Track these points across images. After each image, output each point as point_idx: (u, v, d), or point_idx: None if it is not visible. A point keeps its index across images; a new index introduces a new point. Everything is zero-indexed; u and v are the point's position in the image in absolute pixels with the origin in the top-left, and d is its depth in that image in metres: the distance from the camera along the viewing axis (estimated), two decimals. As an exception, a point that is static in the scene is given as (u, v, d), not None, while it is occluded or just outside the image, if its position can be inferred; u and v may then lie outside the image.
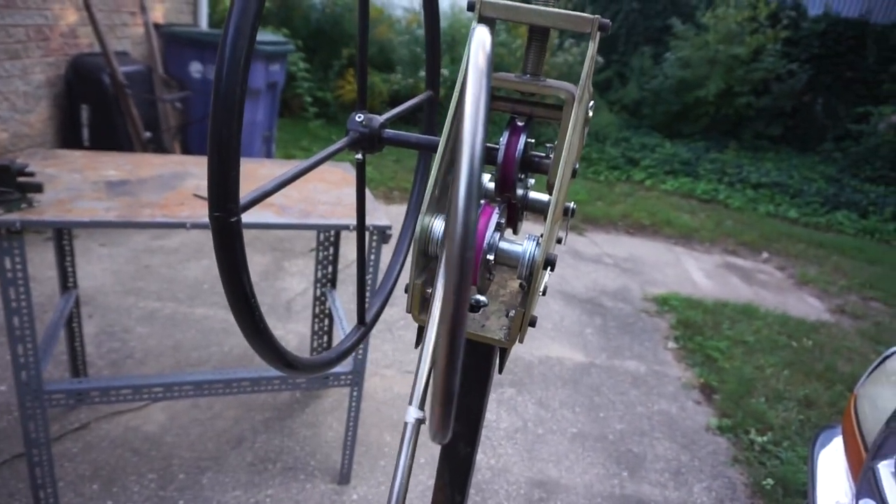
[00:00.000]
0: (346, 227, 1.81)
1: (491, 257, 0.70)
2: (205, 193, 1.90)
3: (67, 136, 3.97)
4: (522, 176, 0.83)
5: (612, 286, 4.33)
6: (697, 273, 4.83)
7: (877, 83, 8.57)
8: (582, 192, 6.28)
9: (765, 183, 7.30)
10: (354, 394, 2.10)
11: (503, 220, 0.74)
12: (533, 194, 0.95)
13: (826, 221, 6.66)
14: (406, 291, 0.75)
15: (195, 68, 4.49)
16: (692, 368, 3.34)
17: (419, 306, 0.75)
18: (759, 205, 6.84)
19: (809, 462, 1.61)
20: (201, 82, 4.47)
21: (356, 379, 2.07)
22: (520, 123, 0.82)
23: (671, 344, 3.61)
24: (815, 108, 9.25)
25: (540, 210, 0.97)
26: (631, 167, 7.50)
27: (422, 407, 0.55)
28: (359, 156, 0.85)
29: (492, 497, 2.29)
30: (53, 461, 1.81)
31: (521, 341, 0.73)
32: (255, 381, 1.93)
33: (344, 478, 2.24)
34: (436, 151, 0.74)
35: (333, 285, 2.55)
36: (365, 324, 0.96)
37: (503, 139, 0.80)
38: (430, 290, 0.75)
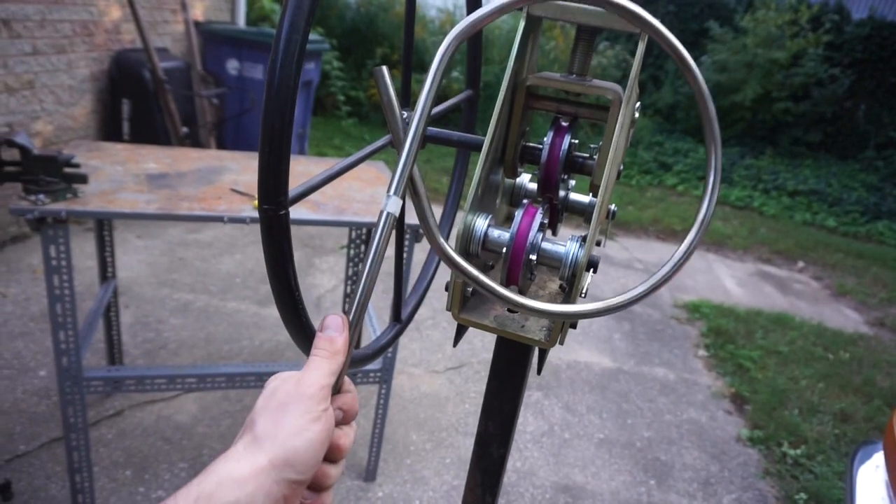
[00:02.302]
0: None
1: (533, 257, 0.69)
2: (242, 188, 1.93)
3: (109, 130, 4.07)
4: (565, 177, 0.82)
5: (642, 292, 4.27)
6: (730, 281, 4.74)
7: (922, 90, 8.30)
8: (613, 196, 6.19)
9: (802, 190, 7.12)
10: (383, 391, 2.11)
11: (546, 221, 0.73)
12: (574, 195, 0.95)
13: (866, 231, 6.47)
14: (446, 290, 0.75)
15: (232, 65, 4.56)
16: (723, 377, 3.28)
17: (459, 305, 0.75)
18: (795, 213, 6.68)
19: (848, 478, 1.57)
20: (237, 79, 4.54)
21: (385, 376, 2.08)
22: (564, 124, 0.81)
23: (701, 352, 3.54)
24: (858, 115, 8.99)
25: (580, 212, 0.95)
26: (663, 172, 7.40)
27: (402, 197, 0.56)
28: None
29: (517, 500, 2.28)
30: (90, 446, 1.85)
31: (561, 343, 0.72)
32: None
33: (370, 475, 2.25)
34: (478, 150, 0.74)
35: (363, 283, 2.56)
36: (401, 321, 0.96)
37: (547, 139, 0.79)
38: (470, 290, 0.75)
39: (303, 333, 0.63)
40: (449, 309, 0.74)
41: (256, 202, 1.85)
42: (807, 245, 5.72)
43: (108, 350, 2.44)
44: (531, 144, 0.84)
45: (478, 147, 0.75)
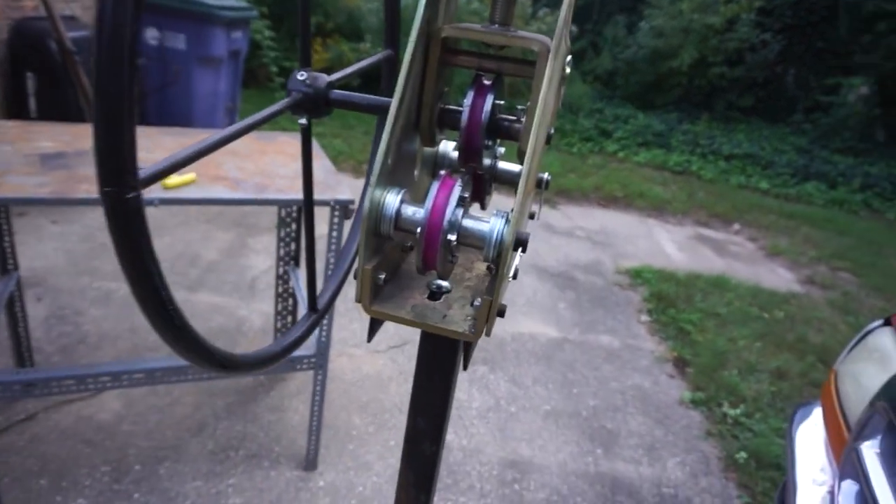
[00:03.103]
0: (311, 183, 1.69)
1: (453, 238, 0.60)
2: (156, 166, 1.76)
3: (12, 108, 3.73)
4: (490, 143, 0.73)
5: (585, 259, 4.28)
6: (670, 245, 4.82)
7: (848, 54, 8.59)
8: (555, 164, 6.19)
9: (736, 154, 7.31)
10: (319, 377, 2.01)
11: (467, 195, 0.64)
12: (503, 164, 0.85)
13: (796, 192, 6.71)
14: (355, 278, 0.65)
15: (151, 35, 4.24)
16: (665, 342, 3.32)
17: (370, 295, 0.65)
18: (730, 176, 6.85)
19: (788, 439, 1.58)
20: (157, 50, 4.23)
21: (320, 362, 1.97)
22: (487, 82, 0.72)
23: (644, 317, 3.58)
24: (787, 79, 9.27)
25: (511, 182, 0.86)
26: (604, 139, 7.44)
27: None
28: (303, 121, 0.74)
29: (464, 479, 2.23)
30: (-7, 457, 1.68)
31: (487, 334, 0.64)
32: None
33: (310, 464, 2.15)
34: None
35: (297, 263, 2.43)
36: (316, 310, 0.85)
37: (467, 100, 0.69)
38: (383, 276, 0.65)
39: (179, 338, 0.52)
40: (358, 300, 0.65)
41: (167, 181, 1.70)
42: (742, 207, 5.87)
43: (16, 349, 2.24)
44: (451, 107, 0.74)
45: (388, 111, 0.65)
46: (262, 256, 3.51)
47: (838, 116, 8.09)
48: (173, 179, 1.62)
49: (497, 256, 0.61)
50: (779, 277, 4.49)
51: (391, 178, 0.66)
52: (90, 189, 1.50)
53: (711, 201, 5.92)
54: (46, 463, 2.01)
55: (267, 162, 1.91)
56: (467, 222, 0.62)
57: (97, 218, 3.66)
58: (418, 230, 0.61)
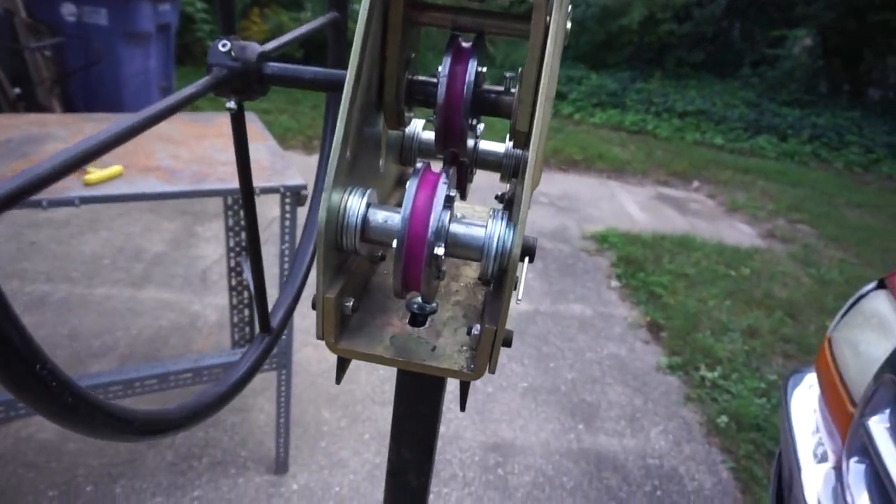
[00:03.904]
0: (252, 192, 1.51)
1: (440, 251, 0.46)
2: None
3: (-86, 97, 3.36)
4: (473, 121, 0.59)
5: (550, 226, 4.20)
6: (633, 206, 4.78)
7: (790, 6, 8.65)
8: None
9: (690, 111, 7.31)
10: (283, 377, 1.85)
11: (454, 192, 0.50)
12: (485, 145, 0.72)
13: (750, 146, 6.77)
14: (313, 308, 0.51)
15: (68, 10, 3.87)
16: (637, 307, 3.27)
17: (336, 329, 0.51)
18: (686, 133, 6.86)
19: (783, 411, 1.52)
20: (77, 26, 3.87)
21: (283, 361, 1.82)
22: (466, 44, 0.58)
23: (614, 283, 3.53)
24: (733, 33, 9.30)
25: (494, 166, 0.72)
26: (558, 101, 7.33)
27: None
28: (231, 104, 0.58)
29: (445, 468, 2.13)
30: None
31: (492, 370, 0.50)
32: (162, 378, 1.65)
33: (281, 466, 2.01)
34: (342, 91, 0.49)
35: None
36: (269, 331, 0.71)
37: (443, 69, 0.55)
38: (349, 304, 0.51)
39: (65, 412, 0.38)
40: (321, 337, 0.51)
41: (88, 177, 1.50)
42: (699, 164, 5.88)
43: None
44: (421, 78, 0.59)
45: (341, 86, 0.50)
46: (213, 245, 3.29)
47: (784, 69, 8.16)
48: (95, 174, 1.42)
49: (499, 271, 0.48)
50: (740, 233, 4.50)
51: (350, 174, 0.51)
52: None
53: (669, 159, 5.90)
54: (-16, 494, 1.82)
55: (206, 147, 1.72)
56: (458, 228, 0.48)
57: (25, 215, 3.36)
58: (394, 243, 0.47)
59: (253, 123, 2.00)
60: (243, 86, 0.57)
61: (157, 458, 2.01)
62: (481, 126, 0.71)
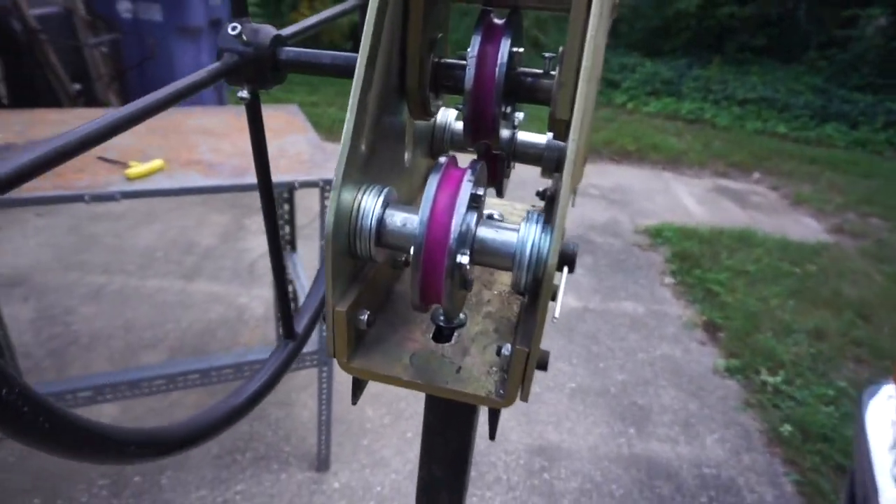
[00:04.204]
0: (292, 185, 1.49)
1: (465, 259, 0.40)
2: (115, 155, 1.55)
3: (-18, 95, 3.50)
4: (507, 108, 0.52)
5: (601, 220, 4.06)
6: (689, 199, 4.58)
7: (864, -16, 8.12)
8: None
9: (751, 98, 6.97)
10: (324, 374, 1.83)
11: (482, 190, 0.43)
12: (524, 136, 0.65)
13: (816, 135, 6.40)
14: (323, 320, 0.46)
15: (124, 7, 3.97)
16: (693, 305, 3.12)
17: (349, 346, 0.45)
18: (746, 122, 6.54)
19: (857, 427, 1.39)
20: (132, 23, 3.96)
21: (323, 358, 1.80)
22: (498, 21, 0.51)
23: (668, 279, 3.38)
24: (799, 15, 8.80)
25: (536, 159, 0.65)
26: (611, 90, 7.12)
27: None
28: (243, 93, 0.53)
29: (489, 471, 2.07)
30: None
31: (524, 398, 0.44)
32: (204, 374, 1.65)
33: (322, 464, 2.00)
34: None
35: (293, 247, 2.24)
36: (294, 337, 0.66)
37: (472, 49, 0.49)
38: (365, 317, 0.45)
39: (56, 438, 0.35)
40: (332, 355, 0.45)
41: (130, 171, 1.50)
42: (761, 154, 5.59)
43: (-3, 358, 2.07)
44: (449, 61, 0.53)
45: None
46: (260, 238, 3.32)
47: (856, 51, 7.68)
48: (137, 168, 1.41)
49: (534, 282, 0.41)
50: (806, 228, 4.25)
51: (367, 170, 0.45)
52: (38, 185, 1.30)
53: (728, 150, 5.64)
54: (40, 480, 1.87)
55: (247, 140, 1.70)
56: (486, 232, 0.42)
57: (85, 208, 3.47)
58: (412, 249, 0.41)
59: (295, 116, 1.98)
60: (256, 73, 0.52)
61: (202, 451, 2.03)
62: (521, 115, 0.64)
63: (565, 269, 0.42)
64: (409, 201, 0.58)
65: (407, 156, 0.57)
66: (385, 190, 0.44)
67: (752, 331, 2.89)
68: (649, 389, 2.52)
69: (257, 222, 3.49)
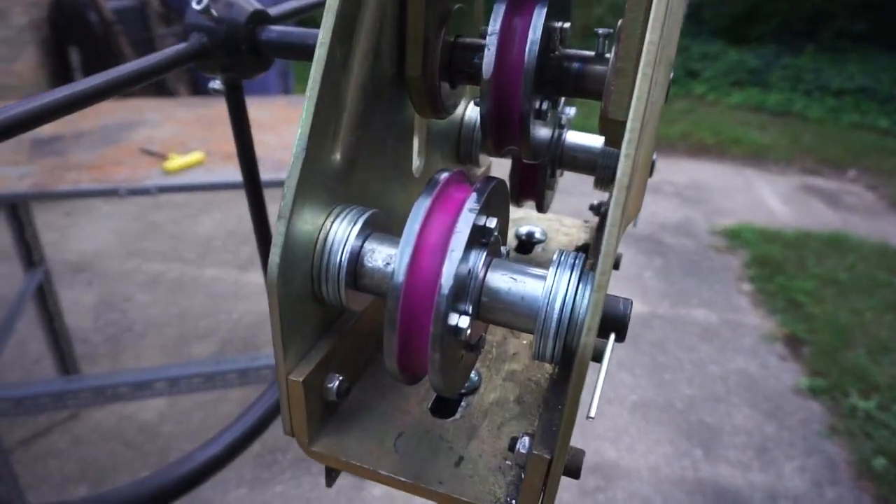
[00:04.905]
0: (259, 189, 1.40)
1: (463, 322, 0.27)
2: (156, 147, 1.52)
3: (59, 85, 3.64)
4: (545, 103, 0.39)
5: (674, 219, 3.81)
6: (773, 199, 4.23)
7: None
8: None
9: (848, 89, 6.40)
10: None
11: (494, 222, 0.31)
12: (574, 137, 0.51)
13: (922, 130, 5.80)
14: (278, 388, 0.35)
15: (195, -2, 4.04)
16: (773, 316, 2.85)
17: (310, 424, 0.35)
18: (842, 115, 6.01)
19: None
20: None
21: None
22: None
23: (746, 286, 3.11)
24: (907, -3, 8.01)
25: (586, 168, 0.52)
26: (690, 80, 6.72)
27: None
28: (215, 84, 0.43)
29: (538, 488, 1.94)
30: (15, 474, 1.54)
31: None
32: (242, 374, 1.60)
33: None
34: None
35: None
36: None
37: (494, 24, 0.36)
38: (333, 386, 0.34)
39: None
40: (289, 433, 0.35)
41: (168, 164, 1.45)
42: (857, 150, 5.12)
43: (55, 346, 2.09)
44: (467, 40, 0.40)
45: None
46: (317, 230, 3.30)
47: (974, 36, 6.91)
48: (176, 161, 1.36)
49: (564, 353, 0.29)
50: (908, 232, 3.83)
51: (343, 186, 0.34)
52: (78, 178, 1.27)
53: (820, 145, 5.19)
54: (86, 468, 1.89)
55: (293, 133, 1.63)
56: (499, 280, 0.30)
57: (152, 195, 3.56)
58: (390, 304, 0.29)
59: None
60: (231, 57, 0.41)
61: (245, 447, 2.00)
62: (571, 110, 0.51)
63: (612, 337, 0.29)
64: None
65: (416, 163, 0.44)
66: (366, 214, 0.33)
67: (842, 347, 2.60)
68: (720, 407, 2.30)
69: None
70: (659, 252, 3.40)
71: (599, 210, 0.55)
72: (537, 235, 0.56)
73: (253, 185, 0.48)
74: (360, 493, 1.88)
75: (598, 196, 0.59)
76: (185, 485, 0.44)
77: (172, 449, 1.96)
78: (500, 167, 0.50)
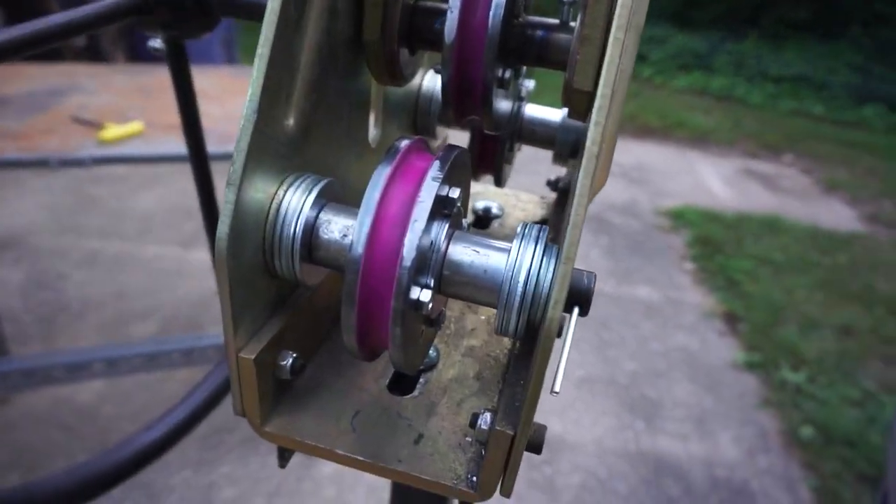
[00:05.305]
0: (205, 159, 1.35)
1: (424, 295, 0.26)
2: (89, 115, 1.43)
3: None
4: (507, 73, 0.38)
5: (620, 199, 3.89)
6: (714, 181, 4.38)
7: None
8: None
9: (787, 76, 6.65)
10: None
11: (457, 193, 0.30)
12: (533, 111, 0.50)
13: (854, 117, 6.10)
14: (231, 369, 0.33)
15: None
16: (713, 293, 2.97)
17: (262, 404, 0.33)
18: (780, 100, 6.25)
19: (893, 436, 1.26)
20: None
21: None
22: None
23: (688, 265, 3.22)
24: (842, -11, 8.35)
25: (545, 142, 0.52)
26: (637, 63, 6.83)
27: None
28: (156, 43, 0.41)
29: (487, 463, 1.97)
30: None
31: (505, 493, 0.31)
32: (187, 353, 1.55)
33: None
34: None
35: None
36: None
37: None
38: (287, 363, 0.32)
39: None
40: (240, 413, 0.33)
41: (104, 133, 1.38)
42: (794, 136, 5.34)
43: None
44: (428, 3, 0.39)
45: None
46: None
47: (901, 29, 7.28)
48: (112, 130, 1.29)
49: (528, 327, 0.29)
50: (838, 215, 4.04)
51: (297, 153, 0.32)
52: (2, 148, 1.18)
53: (759, 129, 5.39)
54: (19, 454, 1.80)
55: (241, 104, 1.56)
56: (461, 253, 0.29)
57: (86, 168, 3.38)
58: (349, 277, 0.28)
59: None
60: (175, 15, 0.38)
61: (190, 428, 1.95)
62: (530, 83, 0.50)
63: (575, 310, 0.29)
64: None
65: (372, 133, 0.43)
66: (322, 182, 0.31)
67: (775, 324, 2.73)
68: (661, 382, 2.39)
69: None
70: (605, 231, 3.47)
71: (557, 185, 0.55)
72: (494, 211, 0.55)
73: (198, 155, 0.45)
74: (310, 472, 1.87)
75: (554, 172, 0.59)
76: (125, 470, 0.42)
77: (113, 431, 1.89)
78: (458, 140, 0.49)
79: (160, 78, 1.70)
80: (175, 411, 0.50)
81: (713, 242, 3.37)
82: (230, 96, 1.63)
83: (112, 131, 1.28)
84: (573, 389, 2.31)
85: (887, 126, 5.97)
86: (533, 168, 1.34)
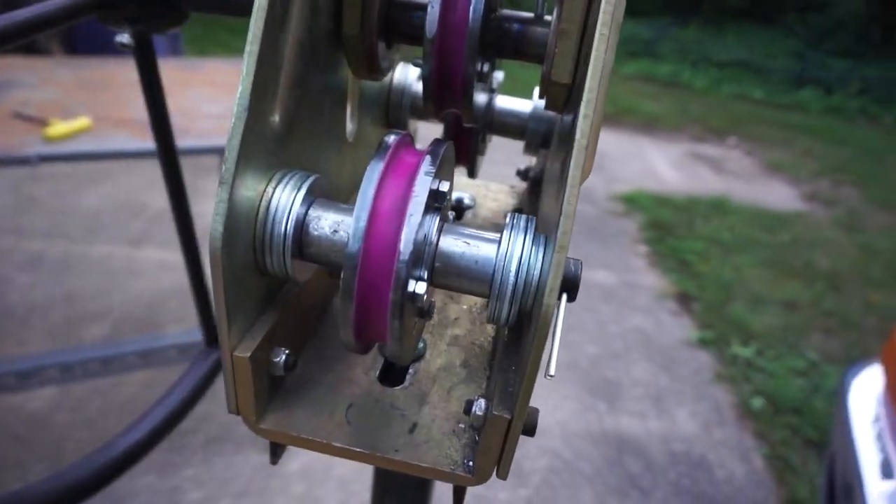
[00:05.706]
0: (174, 155, 1.33)
1: (420, 288, 0.26)
2: (33, 110, 1.37)
3: None
4: (485, 67, 0.39)
5: (575, 186, 3.96)
6: (664, 166, 4.50)
7: (844, -55, 8.01)
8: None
9: (728, 61, 6.88)
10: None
11: (447, 186, 0.30)
12: (504, 102, 0.51)
13: (792, 100, 6.36)
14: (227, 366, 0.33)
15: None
16: (666, 275, 3.06)
17: (257, 401, 0.33)
18: (723, 85, 6.46)
19: (839, 410, 1.33)
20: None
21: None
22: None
23: (642, 248, 3.31)
24: (778, -24, 8.67)
25: (516, 132, 0.52)
26: (588, 50, 6.95)
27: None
28: (124, 38, 0.39)
29: (455, 450, 1.99)
30: None
31: (502, 476, 0.32)
32: (144, 355, 1.51)
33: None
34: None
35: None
36: (218, 346, 0.53)
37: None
38: (280, 360, 0.33)
39: None
40: (234, 411, 0.33)
41: (50, 130, 1.32)
42: (737, 119, 5.54)
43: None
44: None
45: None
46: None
47: (834, 15, 7.61)
48: (58, 127, 1.24)
49: (519, 317, 0.30)
50: (780, 195, 4.22)
51: (282, 149, 0.32)
52: (-61, 147, 1.12)
53: (705, 114, 5.56)
54: (-33, 467, 1.72)
55: (190, 98, 1.52)
56: (452, 244, 0.29)
57: (26, 168, 3.22)
58: (346, 273, 0.28)
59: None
60: (140, 9, 0.37)
61: (151, 431, 1.90)
62: (500, 74, 0.51)
63: (564, 297, 0.30)
64: (350, 193, 0.44)
65: (349, 127, 0.43)
66: (310, 179, 0.31)
67: (725, 302, 2.84)
68: (620, 363, 2.46)
69: (212, 184, 3.28)
70: (562, 218, 3.53)
71: (527, 175, 0.56)
72: (466, 201, 0.56)
73: (167, 152, 0.44)
74: (277, 469, 1.85)
75: (521, 162, 0.60)
76: (106, 475, 0.41)
77: (68, 440, 1.83)
78: (427, 133, 0.49)
79: (103, 72, 1.63)
80: (152, 413, 0.49)
81: (665, 226, 3.47)
82: (179, 89, 1.58)
83: (58, 128, 1.23)
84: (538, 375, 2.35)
85: (823, 108, 6.25)
86: (492, 158, 1.35)
